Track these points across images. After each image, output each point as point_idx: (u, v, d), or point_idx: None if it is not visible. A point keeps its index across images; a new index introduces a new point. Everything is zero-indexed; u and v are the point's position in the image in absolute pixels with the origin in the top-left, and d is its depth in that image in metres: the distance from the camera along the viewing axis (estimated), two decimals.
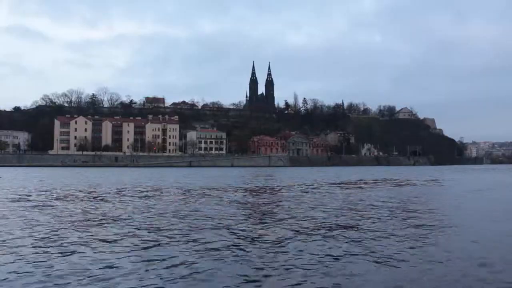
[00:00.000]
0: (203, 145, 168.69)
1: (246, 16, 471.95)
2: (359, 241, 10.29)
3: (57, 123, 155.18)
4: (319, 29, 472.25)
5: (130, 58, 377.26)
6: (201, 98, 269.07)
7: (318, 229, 12.18)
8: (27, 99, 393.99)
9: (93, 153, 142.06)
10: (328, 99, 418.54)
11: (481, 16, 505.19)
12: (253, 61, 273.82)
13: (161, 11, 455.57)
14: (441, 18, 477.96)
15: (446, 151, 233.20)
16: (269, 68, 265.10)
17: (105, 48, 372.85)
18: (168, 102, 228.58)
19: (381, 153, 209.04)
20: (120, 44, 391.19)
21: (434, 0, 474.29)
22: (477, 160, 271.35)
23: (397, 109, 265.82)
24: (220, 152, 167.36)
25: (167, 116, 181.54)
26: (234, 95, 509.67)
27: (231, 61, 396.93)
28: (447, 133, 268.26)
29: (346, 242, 10.17)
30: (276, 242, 10.24)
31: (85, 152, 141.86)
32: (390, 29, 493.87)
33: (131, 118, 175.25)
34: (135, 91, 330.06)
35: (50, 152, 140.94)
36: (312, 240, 10.48)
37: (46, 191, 27.56)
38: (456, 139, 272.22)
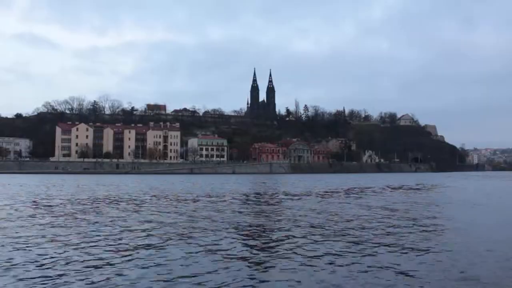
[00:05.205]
0: (204, 152, 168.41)
1: (255, 24, 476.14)
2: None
3: (58, 130, 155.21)
4: (327, 36, 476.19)
5: (137, 65, 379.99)
6: (202, 105, 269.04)
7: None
8: (30, 106, 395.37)
9: (94, 160, 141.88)
10: (333, 106, 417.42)
11: (488, 24, 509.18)
12: (254, 68, 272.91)
13: (171, 19, 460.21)
14: (449, 25, 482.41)
15: (448, 158, 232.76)
16: (270, 75, 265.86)
17: (113, 56, 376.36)
18: (170, 109, 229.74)
19: (382, 160, 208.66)
20: (128, 51, 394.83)
21: (442, 7, 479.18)
22: (478, 167, 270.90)
23: (398, 116, 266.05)
24: (221, 159, 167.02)
25: (168, 123, 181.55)
26: (236, 102, 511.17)
27: (236, 68, 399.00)
28: (448, 140, 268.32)
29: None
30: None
31: (86, 159, 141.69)
32: (397, 36, 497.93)
33: (133, 125, 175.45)
34: (141, 98, 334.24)
35: (52, 159, 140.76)
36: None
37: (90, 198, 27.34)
38: (457, 146, 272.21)
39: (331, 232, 13.05)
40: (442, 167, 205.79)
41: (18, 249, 10.05)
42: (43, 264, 8.60)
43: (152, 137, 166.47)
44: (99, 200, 26.17)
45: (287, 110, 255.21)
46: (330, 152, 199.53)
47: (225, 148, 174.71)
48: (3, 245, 10.52)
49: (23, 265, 8.50)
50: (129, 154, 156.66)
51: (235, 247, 10.62)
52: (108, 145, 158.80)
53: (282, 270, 8.28)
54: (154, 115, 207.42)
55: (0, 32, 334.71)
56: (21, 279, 7.44)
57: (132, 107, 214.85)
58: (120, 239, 11.75)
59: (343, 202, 24.97)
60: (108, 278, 7.53)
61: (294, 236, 12.25)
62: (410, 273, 7.98)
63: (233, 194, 32.25)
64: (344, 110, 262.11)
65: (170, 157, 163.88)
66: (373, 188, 42.61)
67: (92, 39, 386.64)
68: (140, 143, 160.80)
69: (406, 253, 9.89)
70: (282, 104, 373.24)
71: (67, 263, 8.66)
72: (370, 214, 18.32)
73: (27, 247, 10.36)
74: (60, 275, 7.71)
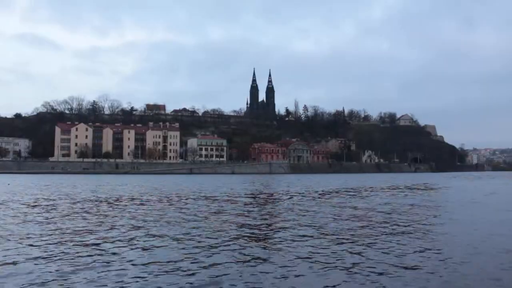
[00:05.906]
0: (203, 152, 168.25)
1: (255, 24, 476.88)
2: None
3: (57, 130, 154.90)
4: (327, 36, 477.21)
5: (137, 65, 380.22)
6: (201, 105, 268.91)
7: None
8: (30, 106, 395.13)
9: (93, 160, 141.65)
10: (333, 106, 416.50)
11: (488, 24, 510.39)
12: (254, 68, 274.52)
13: (172, 20, 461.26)
14: (449, 25, 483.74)
15: (447, 158, 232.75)
16: (269, 75, 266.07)
17: (113, 56, 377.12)
18: (169, 109, 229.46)
19: (382, 160, 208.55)
20: (128, 51, 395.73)
21: (442, 7, 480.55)
22: (478, 167, 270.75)
23: (398, 116, 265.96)
24: (221, 159, 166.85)
25: (167, 123, 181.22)
26: (235, 102, 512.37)
27: (236, 68, 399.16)
28: (448, 140, 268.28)
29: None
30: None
31: (85, 159, 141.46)
32: (397, 36, 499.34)
33: (132, 125, 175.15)
34: (140, 98, 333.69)
35: (51, 159, 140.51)
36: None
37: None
38: (457, 146, 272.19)
39: (334, 231, 12.92)
40: (441, 167, 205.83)
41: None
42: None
43: (152, 137, 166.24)
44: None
45: (287, 110, 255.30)
46: (330, 152, 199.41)
47: (225, 148, 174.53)
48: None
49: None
50: (128, 154, 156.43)
51: (241, 246, 10.57)
52: (107, 145, 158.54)
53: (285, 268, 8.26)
54: (154, 115, 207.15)
55: (1, 32, 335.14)
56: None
57: (132, 107, 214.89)
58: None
59: (344, 202, 24.83)
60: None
61: (296, 235, 12.14)
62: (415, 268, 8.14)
63: (234, 194, 32.10)
64: (343, 110, 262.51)
65: (170, 157, 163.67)
66: (374, 188, 42.50)
67: (92, 39, 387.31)
68: (140, 143, 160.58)
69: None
70: (281, 104, 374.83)
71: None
72: (371, 213, 18.15)
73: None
74: None
